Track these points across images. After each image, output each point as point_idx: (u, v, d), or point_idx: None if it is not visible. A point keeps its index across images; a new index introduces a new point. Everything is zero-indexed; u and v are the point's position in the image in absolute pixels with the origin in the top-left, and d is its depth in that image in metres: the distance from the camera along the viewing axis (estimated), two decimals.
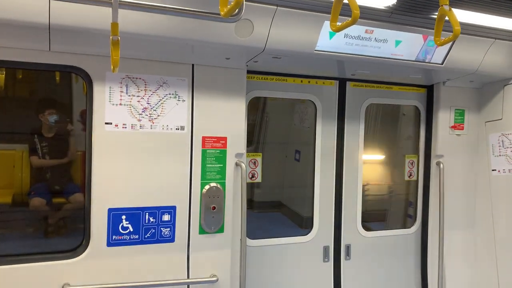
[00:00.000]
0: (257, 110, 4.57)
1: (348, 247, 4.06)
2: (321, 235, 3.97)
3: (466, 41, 3.35)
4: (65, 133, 4.45)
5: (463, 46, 3.39)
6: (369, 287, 4.17)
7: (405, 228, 4.38)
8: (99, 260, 2.97)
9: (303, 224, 4.18)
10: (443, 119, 4.11)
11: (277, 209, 4.74)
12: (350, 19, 1.93)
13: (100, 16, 2.41)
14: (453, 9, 2.09)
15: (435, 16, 3.10)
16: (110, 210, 2.97)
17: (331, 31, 2.34)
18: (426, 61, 3.45)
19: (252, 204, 4.25)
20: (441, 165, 4.05)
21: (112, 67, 2.15)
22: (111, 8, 2.12)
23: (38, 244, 4.16)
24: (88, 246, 2.96)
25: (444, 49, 3.42)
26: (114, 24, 2.10)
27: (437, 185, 4.07)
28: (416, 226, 4.33)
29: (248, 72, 3.43)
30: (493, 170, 4.05)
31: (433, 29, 3.16)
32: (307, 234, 3.95)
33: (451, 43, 3.32)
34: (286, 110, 4.72)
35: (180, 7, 2.41)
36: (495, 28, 3.36)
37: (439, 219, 4.00)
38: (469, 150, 4.21)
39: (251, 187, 4.10)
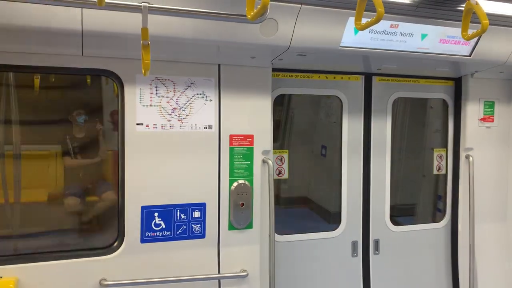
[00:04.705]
0: (282, 106, 4.59)
1: (376, 242, 4.05)
2: (349, 230, 3.98)
3: (494, 32, 3.28)
4: (95, 134, 4.58)
5: (492, 37, 3.33)
6: (399, 282, 4.15)
7: (434, 222, 4.34)
8: (134, 256, 3.07)
9: (331, 219, 4.19)
10: (472, 111, 4.05)
11: (304, 204, 4.76)
12: (375, 16, 1.94)
13: (130, 21, 2.49)
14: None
15: (462, 9, 3.09)
16: (143, 207, 3.07)
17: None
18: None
19: (278, 200, 4.29)
20: (471, 158, 3.99)
21: (143, 71, 2.22)
22: (140, 14, 2.19)
23: (74, 241, 4.30)
24: (123, 243, 3.06)
25: (472, 40, 3.36)
26: (144, 30, 2.16)
27: (467, 178, 4.01)
28: (446, 220, 4.28)
29: (273, 69, 3.46)
30: None
31: (459, 21, 3.15)
32: (335, 229, 3.97)
33: None
34: (311, 105, 4.72)
35: (207, 11, 2.47)
36: None
37: (469, 213, 3.95)
38: (500, 143, 4.13)
39: (277, 183, 4.13)
